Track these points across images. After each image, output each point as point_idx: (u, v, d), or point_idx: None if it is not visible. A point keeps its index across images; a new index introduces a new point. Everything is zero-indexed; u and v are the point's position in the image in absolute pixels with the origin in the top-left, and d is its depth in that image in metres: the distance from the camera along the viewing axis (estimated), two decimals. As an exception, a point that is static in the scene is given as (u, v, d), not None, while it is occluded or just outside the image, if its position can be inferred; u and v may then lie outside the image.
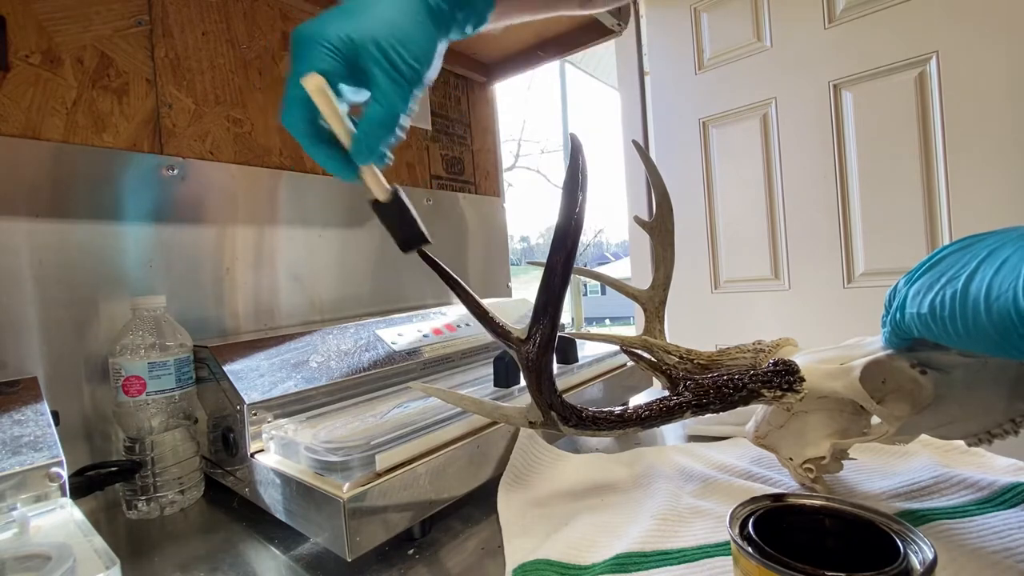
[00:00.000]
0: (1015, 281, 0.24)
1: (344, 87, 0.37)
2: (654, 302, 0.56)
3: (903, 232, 1.16)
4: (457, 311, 0.78)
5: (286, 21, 0.80)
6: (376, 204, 0.40)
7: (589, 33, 0.98)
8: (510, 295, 1.16)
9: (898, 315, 0.32)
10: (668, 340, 0.54)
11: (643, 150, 0.60)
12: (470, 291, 0.38)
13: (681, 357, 0.49)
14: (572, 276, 0.36)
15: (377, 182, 0.39)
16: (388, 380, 0.61)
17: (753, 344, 0.47)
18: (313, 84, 0.34)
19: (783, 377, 0.39)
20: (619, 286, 0.60)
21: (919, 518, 0.37)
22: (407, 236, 0.40)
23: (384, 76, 0.35)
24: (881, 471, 0.45)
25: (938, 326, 0.29)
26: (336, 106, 0.36)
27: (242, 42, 0.74)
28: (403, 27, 0.35)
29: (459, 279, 0.38)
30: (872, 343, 0.38)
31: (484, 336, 0.74)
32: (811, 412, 0.40)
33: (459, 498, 0.44)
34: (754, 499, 0.29)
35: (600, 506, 0.43)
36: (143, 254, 0.62)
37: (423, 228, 0.41)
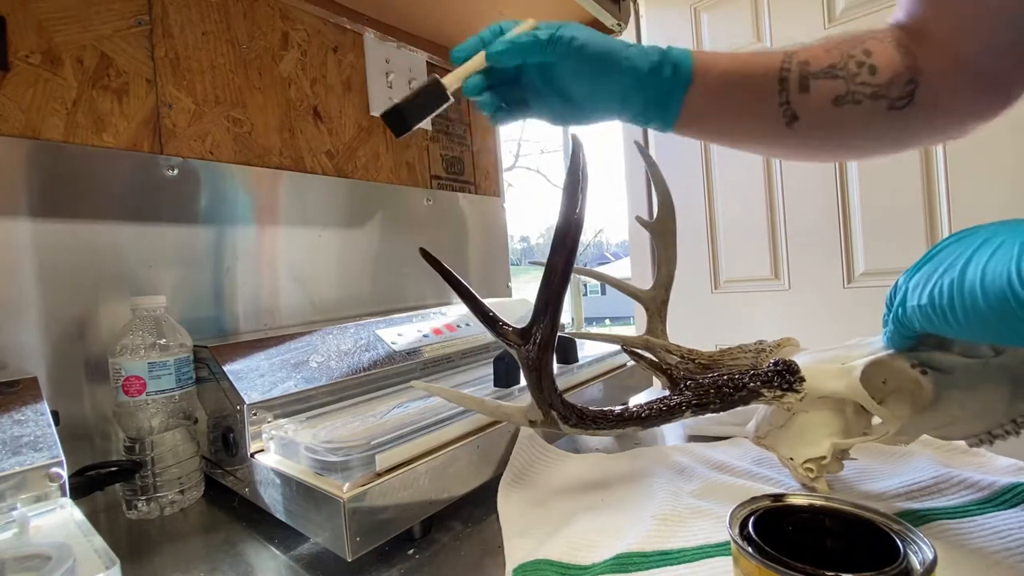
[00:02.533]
0: (1008, 264, 0.25)
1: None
2: (656, 302, 0.56)
3: (903, 232, 1.16)
4: (457, 311, 0.78)
5: (286, 21, 0.80)
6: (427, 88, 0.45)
7: (589, 33, 0.98)
8: (510, 295, 1.16)
9: (900, 310, 0.32)
10: (669, 340, 0.54)
11: (645, 151, 0.60)
12: (471, 290, 0.38)
13: (682, 357, 0.49)
14: (572, 276, 0.36)
15: (457, 75, 0.45)
16: (388, 380, 0.61)
17: (755, 344, 0.47)
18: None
19: (783, 377, 0.39)
20: (621, 286, 0.61)
21: (919, 518, 0.37)
22: (406, 110, 0.44)
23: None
24: (881, 471, 0.45)
25: (938, 316, 0.29)
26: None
27: (242, 42, 0.74)
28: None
29: (460, 278, 0.38)
30: (873, 343, 0.38)
31: (484, 336, 0.74)
32: (812, 412, 0.40)
33: (459, 498, 0.44)
34: (754, 499, 0.29)
35: (600, 506, 0.43)
36: (143, 254, 0.62)
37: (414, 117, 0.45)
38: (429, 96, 0.44)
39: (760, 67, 0.44)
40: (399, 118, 0.44)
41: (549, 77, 0.46)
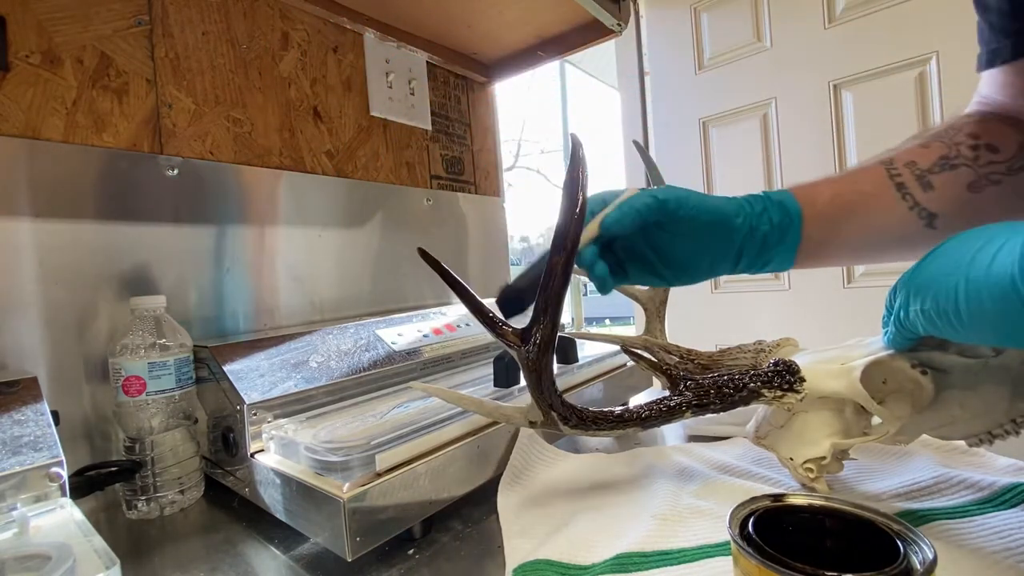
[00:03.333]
0: (1011, 265, 0.25)
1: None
2: (655, 302, 0.56)
3: (903, 232, 1.16)
4: (457, 311, 0.78)
5: (286, 21, 0.80)
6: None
7: (589, 33, 0.98)
8: (510, 295, 1.16)
9: (902, 314, 0.32)
10: (668, 340, 0.54)
11: (644, 150, 0.60)
12: (471, 291, 0.38)
13: (682, 357, 0.49)
14: (572, 276, 0.36)
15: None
16: (388, 380, 0.61)
17: (754, 344, 0.47)
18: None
19: (783, 377, 0.39)
20: (619, 286, 0.60)
21: (919, 518, 0.37)
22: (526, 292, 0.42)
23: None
24: (881, 471, 0.45)
25: (943, 320, 0.29)
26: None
27: (242, 42, 0.74)
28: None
29: (460, 279, 0.38)
30: (873, 343, 0.38)
31: (484, 336, 0.74)
32: (811, 412, 0.40)
33: (459, 498, 0.44)
34: (754, 499, 0.29)
35: (600, 506, 0.43)
36: (143, 254, 0.62)
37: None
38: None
39: (866, 182, 0.43)
40: (517, 301, 0.41)
41: (655, 242, 0.44)
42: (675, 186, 0.44)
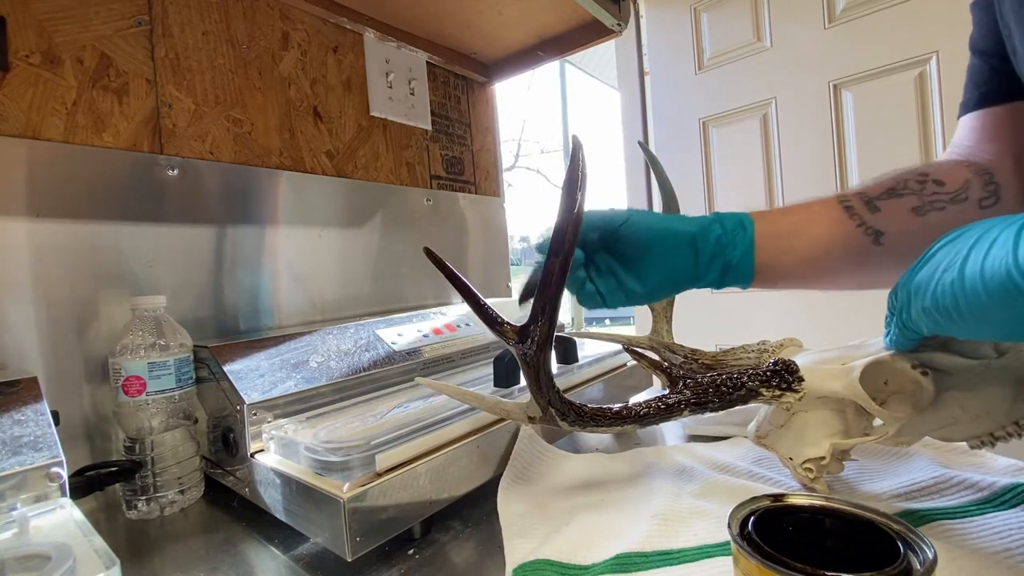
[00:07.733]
0: (1006, 255, 0.24)
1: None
2: (662, 302, 0.56)
3: (903, 232, 1.16)
4: (457, 311, 0.78)
5: (286, 21, 0.80)
6: None
7: (589, 33, 0.98)
8: (510, 295, 1.16)
9: (905, 314, 0.32)
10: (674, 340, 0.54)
11: (649, 151, 0.60)
12: (473, 289, 0.38)
13: (686, 357, 0.49)
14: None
15: None
16: (388, 380, 0.61)
17: (758, 344, 0.47)
18: None
19: (782, 377, 0.39)
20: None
21: (919, 518, 0.37)
22: None
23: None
24: (881, 471, 0.45)
25: (944, 317, 0.29)
26: None
27: (242, 42, 0.74)
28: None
29: (462, 276, 0.38)
30: (875, 344, 0.38)
31: (484, 336, 0.74)
32: (811, 412, 0.40)
33: (459, 498, 0.44)
34: (754, 499, 0.29)
35: (600, 506, 0.43)
36: (143, 254, 0.62)
37: None
38: None
39: (816, 205, 0.46)
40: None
41: (619, 253, 0.47)
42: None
